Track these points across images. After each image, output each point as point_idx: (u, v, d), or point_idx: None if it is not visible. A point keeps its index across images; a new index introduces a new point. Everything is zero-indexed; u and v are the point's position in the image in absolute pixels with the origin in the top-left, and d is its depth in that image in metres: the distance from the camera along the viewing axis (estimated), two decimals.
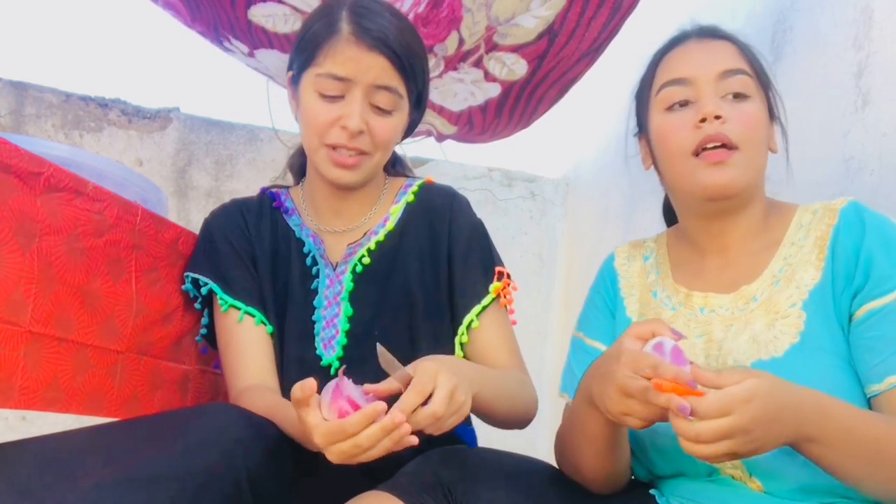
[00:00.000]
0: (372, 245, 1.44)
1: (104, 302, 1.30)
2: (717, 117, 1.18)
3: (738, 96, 1.21)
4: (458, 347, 1.41)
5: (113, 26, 2.84)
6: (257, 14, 2.00)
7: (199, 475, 1.04)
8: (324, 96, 1.33)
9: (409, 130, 1.47)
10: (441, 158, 2.91)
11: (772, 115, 1.27)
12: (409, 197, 1.48)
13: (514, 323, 1.47)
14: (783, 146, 1.30)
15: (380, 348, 1.11)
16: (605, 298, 1.37)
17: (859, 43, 1.69)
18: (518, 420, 1.37)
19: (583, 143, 3.19)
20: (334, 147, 1.34)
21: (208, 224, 1.48)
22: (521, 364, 1.44)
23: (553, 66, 2.13)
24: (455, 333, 1.42)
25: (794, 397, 0.99)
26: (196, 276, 1.43)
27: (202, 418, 1.12)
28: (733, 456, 0.96)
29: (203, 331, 1.46)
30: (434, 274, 1.44)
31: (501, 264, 1.47)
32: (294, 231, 1.47)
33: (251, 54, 2.15)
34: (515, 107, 2.30)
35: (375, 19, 1.33)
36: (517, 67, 2.14)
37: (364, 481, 1.19)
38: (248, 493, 1.08)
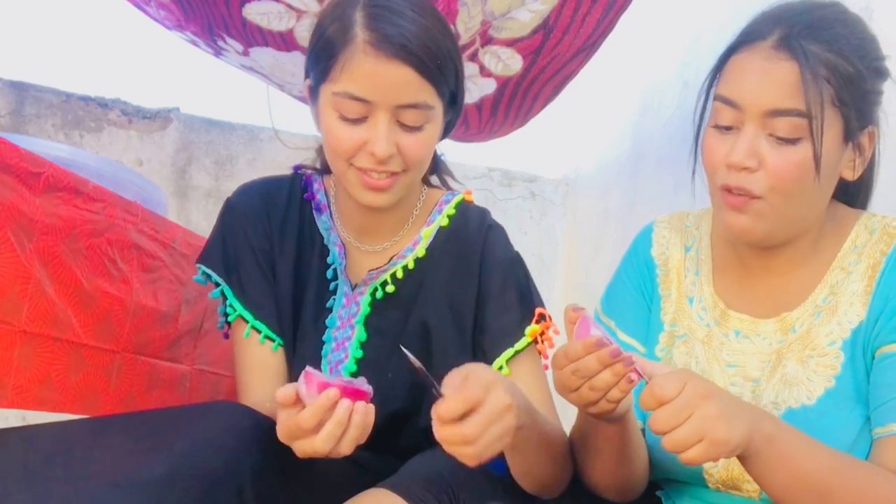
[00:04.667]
0: (399, 272, 1.31)
1: (101, 302, 1.30)
2: (744, 168, 1.07)
3: (782, 139, 1.06)
4: None
5: (113, 26, 2.84)
6: (252, 12, 2.00)
7: (204, 477, 1.03)
8: (345, 118, 1.19)
9: (448, 131, 1.33)
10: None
11: (847, 139, 1.09)
12: (444, 220, 1.34)
13: (545, 368, 1.29)
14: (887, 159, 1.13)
15: (409, 357, 1.00)
16: (643, 292, 1.26)
17: None
18: (553, 482, 1.18)
19: (583, 143, 3.19)
20: (364, 170, 1.21)
21: (231, 211, 1.35)
22: (559, 421, 1.23)
23: (548, 62, 2.13)
24: None
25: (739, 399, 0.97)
26: (209, 272, 1.33)
27: (208, 417, 1.11)
28: (705, 436, 0.89)
29: (221, 319, 1.37)
30: (458, 316, 1.31)
31: (542, 304, 1.31)
32: (322, 236, 1.35)
33: (246, 52, 2.15)
34: (511, 104, 2.30)
35: (395, 20, 1.17)
36: (512, 62, 2.14)
37: (366, 480, 1.18)
38: (251, 494, 1.08)
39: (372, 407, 1.01)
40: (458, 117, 1.33)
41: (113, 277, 1.33)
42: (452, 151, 2.78)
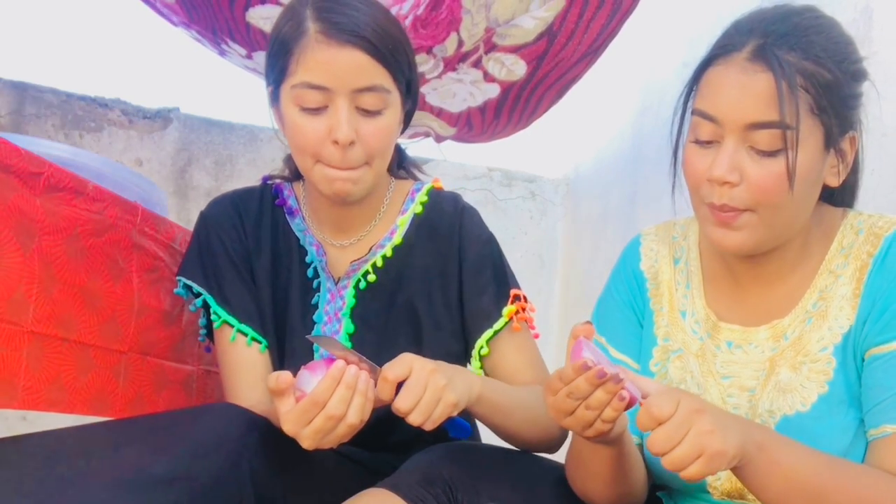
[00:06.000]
0: (378, 261, 1.36)
1: (105, 302, 1.30)
2: (726, 183, 1.06)
3: (762, 152, 1.05)
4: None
5: (113, 26, 2.84)
6: (255, 16, 2.01)
7: (203, 478, 1.04)
8: (305, 109, 1.23)
9: (407, 122, 1.38)
10: (441, 158, 2.91)
11: (828, 146, 1.08)
12: (417, 207, 1.39)
13: (536, 336, 1.39)
14: (874, 162, 1.14)
15: (324, 340, 1.11)
16: (633, 308, 1.26)
17: (859, 43, 1.68)
18: (544, 438, 1.29)
19: (583, 143, 3.19)
20: (330, 165, 1.25)
21: (205, 223, 1.40)
22: None
23: (552, 67, 2.14)
24: (469, 358, 1.36)
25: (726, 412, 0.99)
26: (190, 283, 1.37)
27: (205, 419, 1.12)
28: (703, 451, 0.91)
29: (202, 331, 1.43)
30: (444, 294, 1.36)
31: (516, 285, 1.38)
32: (298, 238, 1.39)
33: (249, 56, 2.16)
34: (514, 107, 2.30)
35: (344, 10, 1.22)
36: (516, 68, 2.14)
37: (365, 479, 1.19)
38: (250, 495, 1.08)
39: (371, 381, 1.07)
40: (416, 107, 1.37)
41: (115, 277, 1.33)
42: (452, 151, 2.79)
